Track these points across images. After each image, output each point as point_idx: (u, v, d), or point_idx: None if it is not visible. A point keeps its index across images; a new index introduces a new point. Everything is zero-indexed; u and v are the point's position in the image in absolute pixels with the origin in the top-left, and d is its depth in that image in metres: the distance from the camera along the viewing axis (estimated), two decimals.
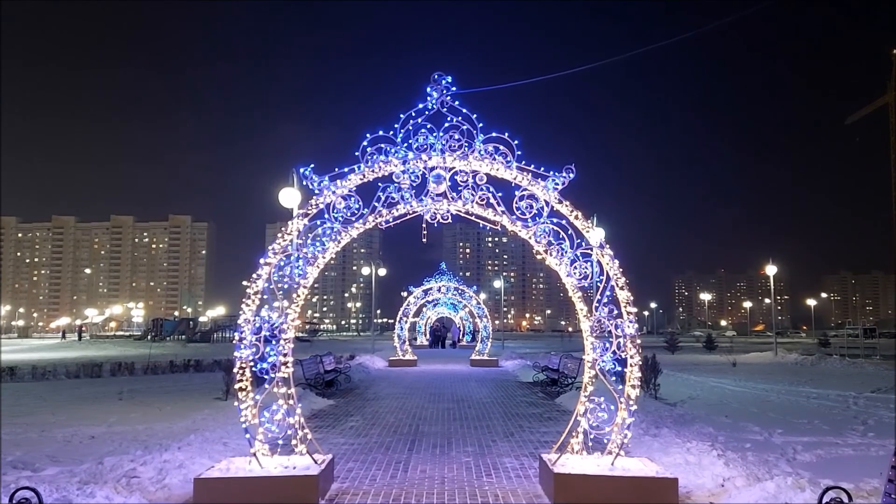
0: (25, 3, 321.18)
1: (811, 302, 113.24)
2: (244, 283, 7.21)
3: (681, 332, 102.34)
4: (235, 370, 7.05)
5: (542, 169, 7.45)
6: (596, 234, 7.45)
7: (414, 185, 7.53)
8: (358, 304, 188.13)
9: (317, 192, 7.45)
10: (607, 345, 7.19)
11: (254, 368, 7.03)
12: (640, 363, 7.21)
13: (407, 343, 31.88)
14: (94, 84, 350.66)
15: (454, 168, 7.50)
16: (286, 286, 7.27)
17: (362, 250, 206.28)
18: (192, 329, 68.45)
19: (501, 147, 7.45)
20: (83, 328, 77.42)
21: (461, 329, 51.42)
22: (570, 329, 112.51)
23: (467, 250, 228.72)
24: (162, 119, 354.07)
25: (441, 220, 7.66)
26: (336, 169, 7.48)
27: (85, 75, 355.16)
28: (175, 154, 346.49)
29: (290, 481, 6.66)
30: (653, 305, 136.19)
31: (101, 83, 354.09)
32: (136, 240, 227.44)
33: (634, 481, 6.70)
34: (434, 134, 7.52)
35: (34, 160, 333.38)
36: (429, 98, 7.59)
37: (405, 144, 7.50)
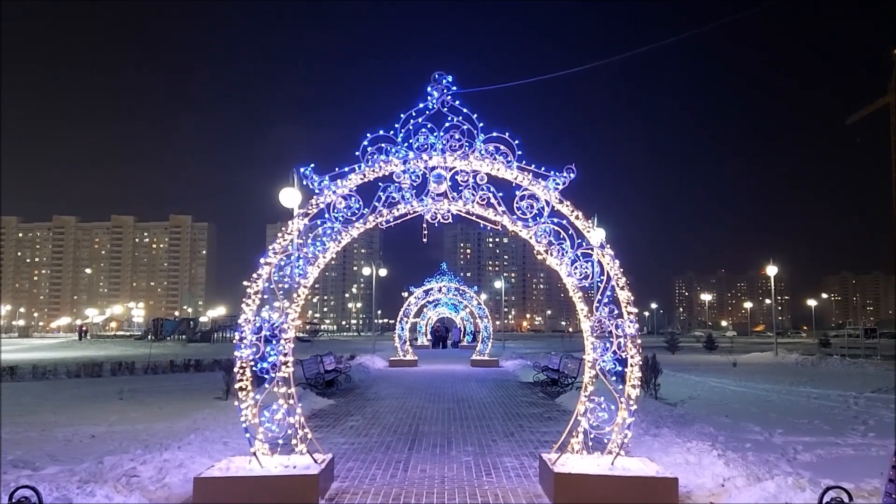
0: (26, 4, 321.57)
1: (812, 302, 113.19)
2: (245, 283, 7.21)
3: (681, 332, 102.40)
4: (236, 370, 7.05)
5: (543, 169, 7.44)
6: (596, 235, 7.44)
7: (414, 184, 7.52)
8: (358, 305, 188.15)
9: (317, 191, 7.44)
10: (608, 345, 7.19)
11: (254, 368, 7.03)
12: (641, 363, 7.21)
13: (407, 343, 31.92)
14: (95, 85, 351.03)
15: (455, 168, 7.49)
16: (287, 286, 7.27)
17: (363, 250, 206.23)
18: (193, 329, 68.46)
19: (502, 147, 7.44)
20: (84, 328, 77.40)
21: (462, 329, 51.42)
22: (570, 329, 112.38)
23: (468, 250, 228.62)
24: (163, 119, 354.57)
25: (442, 220, 7.65)
26: (336, 169, 7.47)
27: (86, 76, 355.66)
28: (176, 154, 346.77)
29: (291, 480, 6.66)
30: (653, 306, 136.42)
31: (101, 84, 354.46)
32: (137, 240, 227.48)
33: (635, 481, 6.70)
34: (435, 133, 7.52)
35: (35, 160, 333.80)
36: (429, 98, 7.58)
37: (406, 144, 7.50)
